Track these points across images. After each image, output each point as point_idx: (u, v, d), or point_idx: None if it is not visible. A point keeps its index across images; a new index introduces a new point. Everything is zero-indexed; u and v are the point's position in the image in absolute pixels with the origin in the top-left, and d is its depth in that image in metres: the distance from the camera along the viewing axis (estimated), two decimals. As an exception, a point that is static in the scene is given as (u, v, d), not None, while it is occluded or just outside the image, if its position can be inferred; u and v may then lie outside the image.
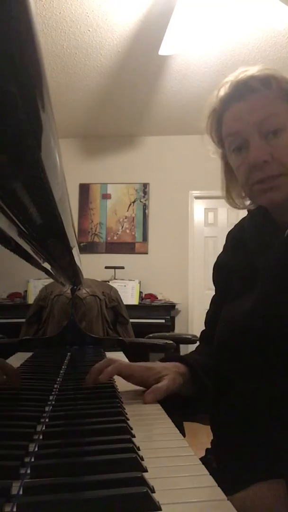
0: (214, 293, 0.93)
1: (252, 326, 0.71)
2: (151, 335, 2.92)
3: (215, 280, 0.92)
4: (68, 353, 1.28)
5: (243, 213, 0.89)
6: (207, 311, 0.93)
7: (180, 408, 0.80)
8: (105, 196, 4.85)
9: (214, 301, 0.92)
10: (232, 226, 0.92)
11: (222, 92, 0.77)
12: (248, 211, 0.87)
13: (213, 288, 0.93)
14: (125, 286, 4.23)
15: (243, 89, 0.74)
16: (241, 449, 0.69)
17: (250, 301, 0.73)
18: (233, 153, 0.77)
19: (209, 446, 0.83)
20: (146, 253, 4.74)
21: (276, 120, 0.72)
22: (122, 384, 0.81)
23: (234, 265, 0.84)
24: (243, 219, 0.88)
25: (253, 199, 0.80)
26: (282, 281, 0.70)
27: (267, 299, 0.71)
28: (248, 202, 0.85)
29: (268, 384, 0.67)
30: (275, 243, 0.75)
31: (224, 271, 0.88)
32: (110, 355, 1.28)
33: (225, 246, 0.91)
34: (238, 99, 0.74)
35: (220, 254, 0.92)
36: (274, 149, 0.71)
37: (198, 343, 0.98)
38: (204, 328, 0.96)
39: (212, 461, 0.77)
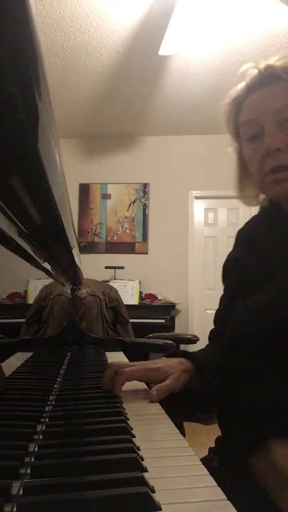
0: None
1: (268, 323, 0.70)
2: (151, 335, 2.92)
3: (225, 279, 0.91)
4: (68, 353, 1.28)
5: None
6: (216, 310, 0.92)
7: (180, 407, 0.80)
8: (105, 196, 4.85)
9: (223, 300, 0.91)
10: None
11: (243, 82, 0.77)
12: (260, 207, 0.86)
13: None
14: (125, 286, 4.23)
15: (264, 78, 0.74)
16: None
17: (265, 298, 0.73)
18: (248, 142, 0.76)
19: (210, 446, 0.83)
20: (146, 253, 4.74)
21: None
22: (122, 384, 0.81)
23: (246, 263, 0.83)
24: (254, 217, 0.87)
25: (265, 191, 0.79)
26: None
27: (284, 295, 0.71)
28: (261, 198, 0.85)
29: (284, 382, 0.67)
30: None
31: (235, 269, 0.87)
32: (110, 355, 1.28)
33: (235, 244, 0.90)
34: (258, 88, 0.74)
35: (230, 253, 0.91)
36: None
37: (197, 343, 0.98)
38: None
39: (215, 460, 0.77)
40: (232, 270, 0.88)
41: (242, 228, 0.90)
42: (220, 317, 0.90)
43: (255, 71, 0.76)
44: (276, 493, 0.57)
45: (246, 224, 0.89)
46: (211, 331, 0.94)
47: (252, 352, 0.74)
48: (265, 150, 0.71)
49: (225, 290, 0.91)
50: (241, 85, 0.78)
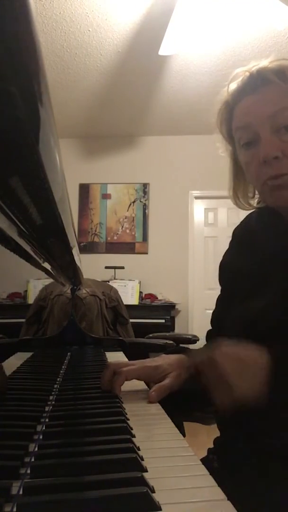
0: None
1: (264, 328, 0.70)
2: (151, 335, 2.92)
3: (221, 280, 0.91)
4: (68, 353, 1.28)
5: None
6: (213, 311, 0.91)
7: (179, 406, 0.80)
8: (105, 196, 4.85)
9: (219, 301, 0.91)
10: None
11: (234, 84, 0.75)
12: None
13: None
14: (125, 286, 4.23)
15: (256, 81, 0.72)
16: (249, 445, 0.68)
17: (261, 303, 0.72)
18: (243, 148, 0.74)
19: (210, 446, 0.83)
20: (146, 253, 4.74)
21: None
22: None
23: (242, 265, 0.82)
24: (249, 216, 0.86)
25: (264, 197, 0.78)
26: None
27: (281, 301, 0.70)
28: (255, 202, 0.84)
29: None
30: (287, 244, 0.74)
31: (230, 270, 0.86)
32: (110, 355, 1.28)
33: (231, 244, 0.89)
34: (251, 92, 0.72)
35: (225, 252, 0.90)
36: (286, 145, 0.69)
37: (197, 343, 0.98)
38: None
39: (214, 461, 0.77)
40: (228, 271, 0.88)
41: (238, 227, 0.89)
42: (215, 318, 0.90)
43: (247, 74, 0.74)
44: (214, 389, 0.61)
45: (242, 223, 0.88)
46: (208, 332, 0.94)
47: None
48: (262, 158, 0.70)
49: (221, 290, 0.91)
50: (233, 87, 0.76)
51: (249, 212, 0.87)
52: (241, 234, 0.87)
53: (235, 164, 0.82)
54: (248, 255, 0.81)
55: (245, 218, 0.88)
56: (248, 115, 0.73)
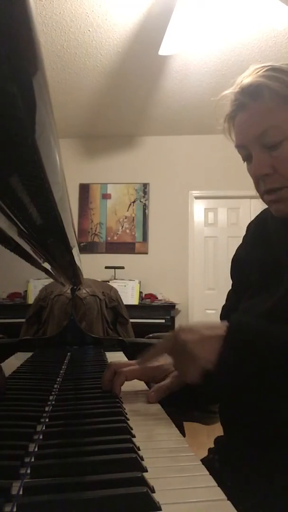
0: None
1: (275, 323, 0.70)
2: (151, 335, 2.92)
3: (233, 275, 0.91)
4: (68, 353, 1.28)
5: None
6: (223, 306, 0.91)
7: (180, 407, 0.80)
8: (105, 196, 4.85)
9: (230, 296, 0.90)
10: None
11: (232, 97, 0.76)
12: None
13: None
14: (125, 286, 4.23)
15: (243, 99, 0.73)
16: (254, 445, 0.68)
17: (272, 299, 0.72)
18: (245, 163, 0.77)
19: (210, 446, 0.83)
20: (146, 253, 4.74)
21: (276, 132, 0.69)
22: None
23: (255, 259, 0.83)
24: (265, 211, 0.86)
25: (270, 207, 0.80)
26: None
27: None
28: None
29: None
30: None
31: (243, 264, 0.86)
32: (110, 355, 1.28)
33: (244, 238, 0.90)
34: (241, 109, 0.74)
35: (239, 247, 0.90)
36: (276, 161, 0.70)
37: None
38: None
39: (216, 461, 0.77)
40: (240, 266, 0.88)
41: (252, 221, 0.89)
42: (225, 313, 0.90)
43: (236, 89, 0.75)
44: (179, 366, 0.66)
45: (256, 218, 0.89)
46: None
47: None
48: (254, 177, 0.73)
49: (233, 285, 0.91)
50: (231, 99, 0.76)
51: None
52: (255, 229, 0.87)
53: None
54: (263, 249, 0.81)
55: (260, 213, 0.88)
56: (240, 134, 0.75)
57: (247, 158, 0.75)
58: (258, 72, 0.73)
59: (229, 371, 0.61)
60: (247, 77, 0.74)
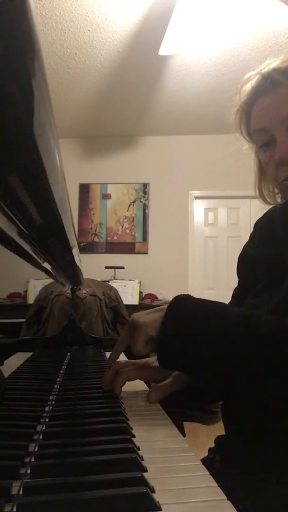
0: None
1: None
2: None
3: (239, 272, 0.90)
4: (68, 353, 1.28)
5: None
6: (228, 303, 0.90)
7: (180, 407, 0.80)
8: (105, 196, 4.85)
9: (236, 293, 0.90)
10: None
11: (249, 86, 0.76)
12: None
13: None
14: (125, 286, 4.23)
15: (268, 83, 0.72)
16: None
17: (278, 296, 0.72)
18: (261, 149, 0.76)
19: (210, 446, 0.83)
20: (146, 253, 4.74)
21: None
22: (122, 384, 0.81)
23: (262, 257, 0.83)
24: (273, 209, 0.87)
25: (284, 196, 0.80)
26: None
27: None
28: (279, 198, 0.84)
29: None
30: None
31: (250, 261, 0.86)
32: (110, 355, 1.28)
33: (251, 236, 0.90)
34: (264, 93, 0.73)
35: (246, 244, 0.90)
36: None
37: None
38: None
39: (216, 460, 0.77)
40: (247, 263, 0.88)
41: (260, 219, 0.89)
42: None
43: (260, 75, 0.75)
44: (130, 340, 0.70)
45: (264, 215, 0.89)
46: None
47: None
48: (278, 160, 0.71)
49: (239, 282, 0.91)
50: (247, 89, 0.77)
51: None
52: (263, 227, 0.87)
53: (259, 161, 0.82)
54: (270, 246, 0.81)
55: (268, 211, 0.88)
56: (262, 118, 0.74)
57: (267, 143, 0.74)
58: (284, 59, 0.74)
59: (171, 337, 0.64)
60: (271, 64, 0.74)
